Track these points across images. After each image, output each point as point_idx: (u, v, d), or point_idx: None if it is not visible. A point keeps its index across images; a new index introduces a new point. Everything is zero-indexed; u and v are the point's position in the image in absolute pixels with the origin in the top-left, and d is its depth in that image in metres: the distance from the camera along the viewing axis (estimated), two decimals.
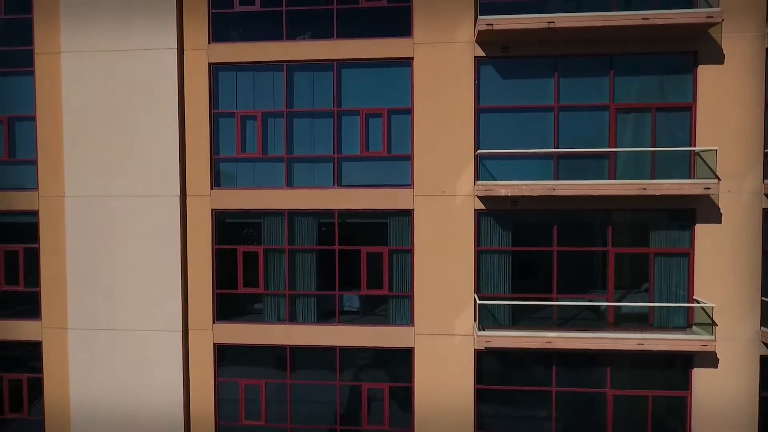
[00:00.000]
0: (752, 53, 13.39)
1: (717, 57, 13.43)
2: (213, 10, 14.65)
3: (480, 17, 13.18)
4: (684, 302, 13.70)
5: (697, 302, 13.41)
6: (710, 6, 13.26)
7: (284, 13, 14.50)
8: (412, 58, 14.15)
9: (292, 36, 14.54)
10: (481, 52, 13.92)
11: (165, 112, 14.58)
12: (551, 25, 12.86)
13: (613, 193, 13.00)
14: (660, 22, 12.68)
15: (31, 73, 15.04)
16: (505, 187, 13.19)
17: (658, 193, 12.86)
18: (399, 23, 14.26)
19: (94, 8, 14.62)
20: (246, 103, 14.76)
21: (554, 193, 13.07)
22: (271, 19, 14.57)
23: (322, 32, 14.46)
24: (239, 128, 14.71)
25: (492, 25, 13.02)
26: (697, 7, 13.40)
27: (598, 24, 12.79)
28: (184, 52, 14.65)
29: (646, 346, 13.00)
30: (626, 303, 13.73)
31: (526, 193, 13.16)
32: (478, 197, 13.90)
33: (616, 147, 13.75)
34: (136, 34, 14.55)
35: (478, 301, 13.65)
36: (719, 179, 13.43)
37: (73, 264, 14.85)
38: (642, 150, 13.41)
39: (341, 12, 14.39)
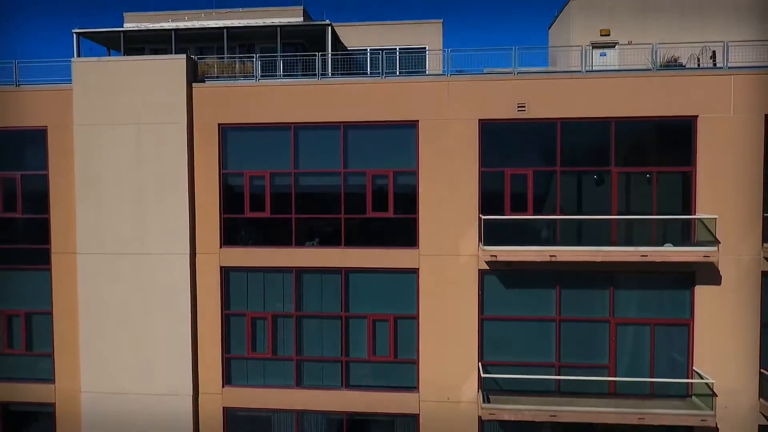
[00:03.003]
0: (748, 275, 13.79)
1: (714, 279, 13.83)
2: (224, 215, 15.10)
3: (484, 247, 13.63)
4: None
5: None
6: (707, 228, 13.69)
7: (293, 220, 14.95)
8: (418, 269, 14.60)
9: (300, 241, 14.99)
10: (485, 265, 14.35)
11: (177, 312, 15.02)
12: (553, 259, 13.30)
13: (612, 422, 13.46)
14: (658, 259, 13.14)
15: (48, 270, 15.52)
16: (509, 412, 13.62)
17: (656, 423, 13.31)
18: (406, 234, 14.69)
19: (108, 211, 15.06)
20: (256, 304, 15.22)
21: (555, 419, 13.51)
22: (281, 225, 15.00)
23: (330, 239, 14.91)
24: (250, 328, 15.17)
25: (496, 256, 13.46)
26: (694, 238, 13.80)
27: (599, 260, 13.24)
28: (196, 255, 15.11)
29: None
30: None
31: (529, 419, 13.61)
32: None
33: (616, 361, 14.19)
34: (150, 239, 14.99)
35: None
36: (716, 395, 13.84)
37: None
38: (641, 380, 13.89)
39: (349, 221, 14.83)
